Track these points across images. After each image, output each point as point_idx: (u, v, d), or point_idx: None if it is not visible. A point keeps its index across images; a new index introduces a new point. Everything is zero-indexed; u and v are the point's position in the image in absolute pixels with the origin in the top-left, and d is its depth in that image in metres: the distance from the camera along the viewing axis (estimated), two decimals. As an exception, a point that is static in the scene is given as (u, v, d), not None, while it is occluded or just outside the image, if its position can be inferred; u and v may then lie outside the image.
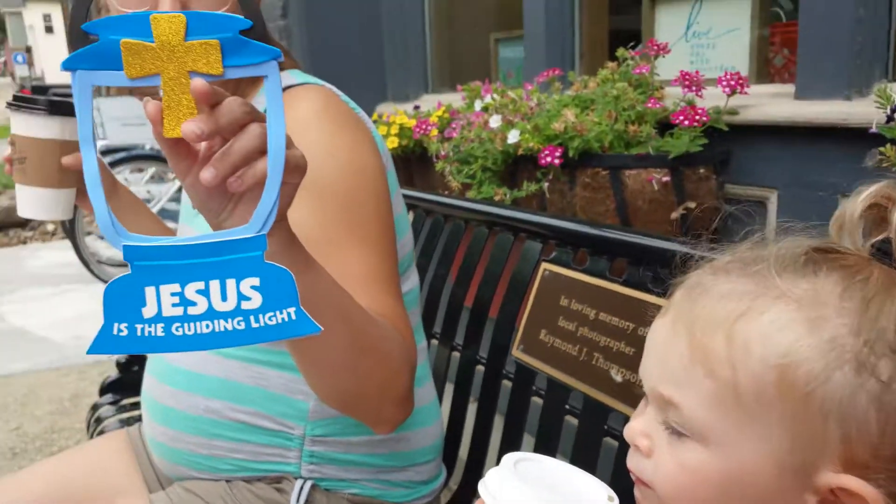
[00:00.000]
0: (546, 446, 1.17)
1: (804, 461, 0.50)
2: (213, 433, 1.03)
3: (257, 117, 0.61)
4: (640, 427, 0.58)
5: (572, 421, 1.13)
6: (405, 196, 1.75)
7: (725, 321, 0.52)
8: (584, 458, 1.08)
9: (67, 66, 0.54)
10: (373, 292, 0.95)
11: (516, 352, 1.27)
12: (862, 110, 1.28)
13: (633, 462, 0.59)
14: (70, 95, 0.58)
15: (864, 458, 0.49)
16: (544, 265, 1.26)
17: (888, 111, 1.03)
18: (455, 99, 2.39)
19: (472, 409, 1.39)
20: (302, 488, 1.02)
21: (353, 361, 0.85)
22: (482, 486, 0.59)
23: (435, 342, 1.57)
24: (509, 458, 0.60)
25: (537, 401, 1.23)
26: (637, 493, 0.60)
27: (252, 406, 1.02)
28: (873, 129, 1.04)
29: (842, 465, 0.50)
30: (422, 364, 1.17)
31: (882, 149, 1.01)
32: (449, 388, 1.47)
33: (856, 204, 0.55)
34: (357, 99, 1.12)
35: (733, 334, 0.51)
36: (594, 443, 1.07)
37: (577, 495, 0.59)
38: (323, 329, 0.81)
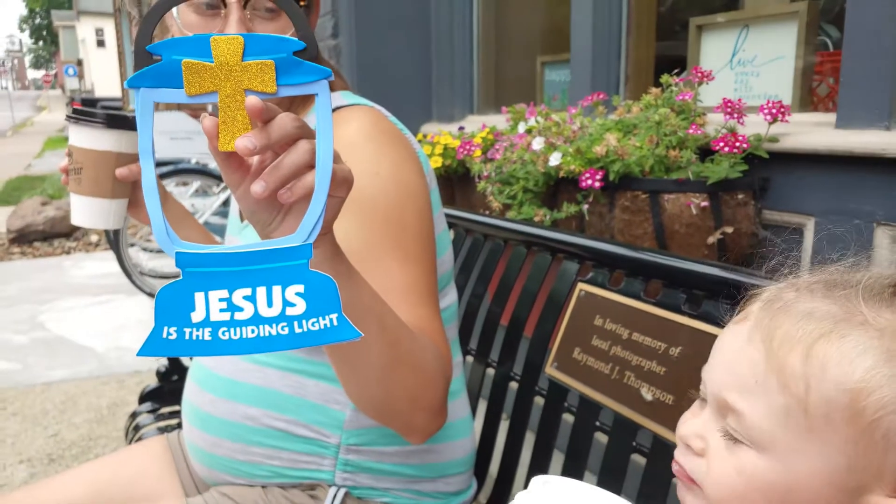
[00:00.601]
0: (575, 462, 1.19)
1: (858, 483, 0.52)
2: (250, 440, 1.07)
3: (307, 133, 0.65)
4: (695, 428, 0.60)
5: (602, 438, 1.15)
6: (447, 214, 1.80)
7: (806, 339, 0.54)
8: (613, 473, 1.10)
9: (132, 84, 0.59)
10: (412, 305, 0.99)
11: (550, 369, 1.29)
12: (902, 141, 1.29)
13: (684, 460, 0.61)
14: (121, 109, 0.63)
15: None
16: (580, 285, 1.29)
17: (926, 143, 1.03)
18: (499, 121, 2.44)
19: (504, 426, 1.42)
20: (336, 496, 1.05)
21: (389, 370, 0.88)
22: None
23: (470, 358, 1.60)
24: (538, 480, 0.62)
25: (568, 418, 1.25)
26: (682, 490, 0.62)
27: (289, 414, 1.06)
28: (910, 160, 1.05)
29: (892, 491, 0.52)
30: (457, 378, 1.20)
31: (918, 179, 1.02)
32: (482, 404, 1.50)
33: None
34: (403, 118, 1.17)
35: (812, 353, 0.53)
36: (622, 459, 1.09)
37: None
38: (363, 336, 0.86)
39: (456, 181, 2.35)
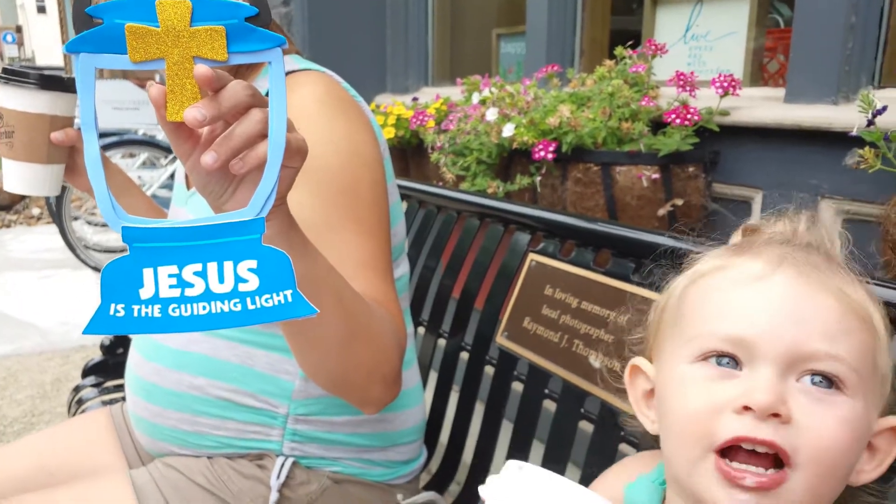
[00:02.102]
0: (524, 430, 1.20)
1: (877, 411, 0.57)
2: (197, 410, 1.05)
3: (259, 102, 0.62)
4: (774, 389, 0.53)
5: (550, 406, 1.16)
6: (400, 186, 1.78)
7: (858, 283, 0.58)
8: (560, 441, 1.10)
9: (70, 48, 0.55)
10: (367, 277, 0.97)
11: (500, 338, 1.29)
12: (847, 115, 1.31)
13: (770, 433, 0.53)
14: (60, 73, 0.59)
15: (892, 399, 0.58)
16: (531, 256, 1.29)
17: (869, 115, 1.05)
18: (454, 93, 2.41)
19: (454, 395, 1.42)
20: (283, 465, 1.04)
21: (344, 343, 0.87)
22: (484, 491, 0.58)
23: (422, 329, 1.60)
24: (512, 465, 0.59)
25: (518, 386, 1.25)
26: (757, 479, 0.53)
27: (237, 384, 1.04)
28: (854, 133, 1.07)
29: (883, 410, 0.58)
30: (409, 348, 1.19)
31: (861, 151, 1.03)
32: (433, 375, 1.50)
33: None
34: (357, 89, 1.14)
35: (862, 293, 0.58)
36: (570, 426, 1.10)
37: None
38: (320, 312, 0.84)
39: (410, 153, 2.32)
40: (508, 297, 1.31)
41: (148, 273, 0.57)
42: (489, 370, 1.33)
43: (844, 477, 0.56)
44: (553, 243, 1.27)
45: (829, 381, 0.54)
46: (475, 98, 2.06)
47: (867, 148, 1.03)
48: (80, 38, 0.55)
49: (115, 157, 5.08)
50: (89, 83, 0.56)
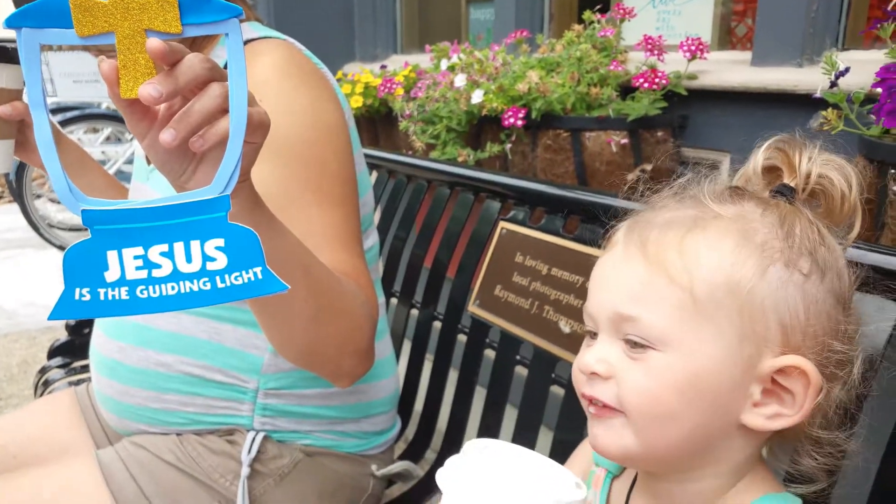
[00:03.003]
0: (497, 396, 1.21)
1: (751, 353, 0.57)
2: (164, 387, 1.04)
3: (218, 75, 0.60)
4: (595, 355, 0.61)
5: (522, 372, 1.17)
6: (369, 156, 1.76)
7: (675, 239, 0.59)
8: (532, 405, 1.12)
9: (11, 23, 0.52)
10: (335, 250, 0.96)
11: (472, 307, 1.30)
12: (811, 77, 1.31)
13: (593, 390, 0.61)
14: (6, 44, 0.56)
15: (796, 341, 0.58)
16: (502, 224, 1.29)
17: (832, 77, 1.05)
18: (424, 60, 2.38)
19: (428, 364, 1.42)
20: (254, 440, 1.03)
21: (314, 318, 0.86)
22: (440, 476, 0.58)
23: (394, 301, 1.59)
24: (472, 445, 0.60)
25: (490, 353, 1.26)
26: (598, 430, 0.61)
27: (205, 360, 1.03)
28: (817, 95, 1.07)
29: (781, 350, 0.57)
30: (381, 319, 1.19)
31: (824, 113, 1.04)
32: (406, 345, 1.50)
33: (757, 157, 0.66)
34: (324, 59, 1.11)
35: (684, 248, 0.59)
36: (542, 391, 1.11)
37: (544, 483, 0.58)
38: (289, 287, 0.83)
39: (379, 122, 2.29)
40: (480, 266, 1.31)
41: (112, 256, 0.55)
42: (462, 338, 1.34)
43: (683, 420, 0.58)
44: (523, 211, 1.26)
45: (640, 341, 0.59)
46: (444, 65, 2.03)
47: (830, 109, 1.04)
48: (22, 12, 0.52)
49: (78, 132, 4.95)
50: (34, 60, 0.53)
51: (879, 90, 0.91)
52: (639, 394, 0.58)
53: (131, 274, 0.55)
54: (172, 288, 0.56)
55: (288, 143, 0.96)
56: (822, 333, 0.58)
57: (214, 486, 1.01)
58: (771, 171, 0.65)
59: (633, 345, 0.59)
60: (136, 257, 0.55)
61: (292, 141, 0.96)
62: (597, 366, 0.61)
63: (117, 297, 0.56)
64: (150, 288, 0.56)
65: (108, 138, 5.41)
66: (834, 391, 0.59)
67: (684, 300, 0.57)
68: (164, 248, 0.56)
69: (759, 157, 0.65)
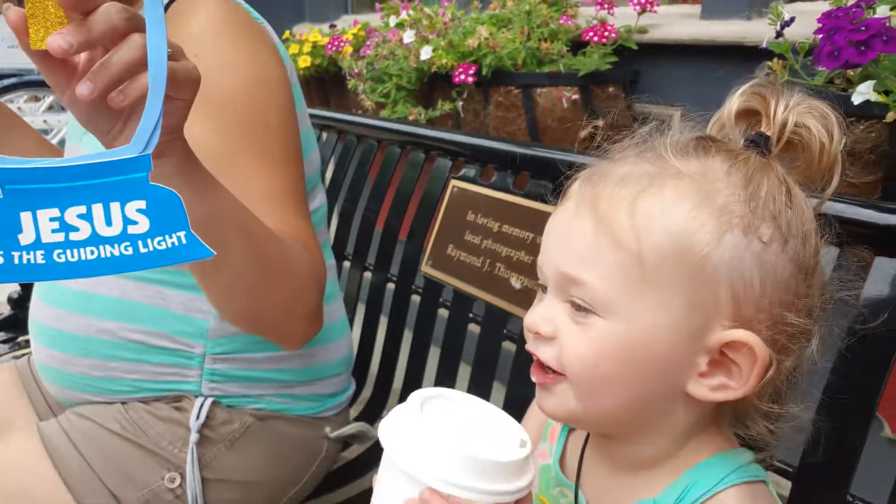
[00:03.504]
0: (451, 354, 1.21)
1: (698, 324, 0.54)
2: (107, 354, 1.00)
3: (139, 26, 0.56)
4: (541, 313, 0.59)
5: (475, 329, 1.17)
6: (317, 116, 1.72)
7: (628, 197, 0.55)
8: (485, 361, 1.12)
9: None
10: (279, 211, 0.93)
11: (425, 267, 1.28)
12: (758, 29, 1.31)
13: (536, 349, 0.60)
14: None
15: (748, 313, 0.54)
16: (453, 182, 1.27)
17: (778, 27, 1.05)
18: (375, 19, 2.33)
19: (383, 326, 1.41)
20: (202, 406, 1.01)
21: (258, 282, 0.84)
22: (382, 428, 0.57)
23: (347, 264, 1.57)
24: (415, 398, 0.58)
25: (443, 313, 1.26)
26: (541, 396, 0.60)
27: (148, 325, 1.00)
28: (763, 45, 1.07)
29: (731, 323, 0.54)
30: (331, 281, 1.17)
31: (770, 63, 1.04)
32: (361, 309, 1.49)
33: (732, 102, 0.60)
34: (273, 20, 1.07)
35: (636, 208, 0.54)
36: (494, 347, 1.11)
37: (487, 439, 0.57)
38: (226, 251, 0.81)
39: (328, 82, 2.24)
40: (432, 226, 1.30)
41: (26, 217, 0.52)
42: (415, 299, 1.33)
43: (623, 387, 0.56)
44: (474, 168, 1.25)
45: (584, 305, 0.56)
46: (393, 22, 1.98)
47: (776, 60, 1.04)
48: None
49: (19, 101, 4.73)
50: None
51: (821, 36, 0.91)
52: (578, 359, 0.56)
53: (47, 237, 0.52)
54: (92, 252, 0.53)
55: (227, 100, 0.92)
56: (777, 306, 0.55)
57: (163, 453, 0.99)
58: (747, 116, 0.60)
59: (578, 307, 0.56)
60: (51, 219, 0.52)
61: (231, 97, 0.92)
62: (542, 326, 0.59)
63: (32, 261, 0.52)
64: (68, 252, 0.53)
65: (50, 107, 5.18)
66: (786, 364, 0.56)
67: (631, 266, 0.54)
68: (82, 209, 0.52)
69: (733, 102, 0.60)
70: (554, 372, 0.59)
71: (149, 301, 1.00)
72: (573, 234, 0.57)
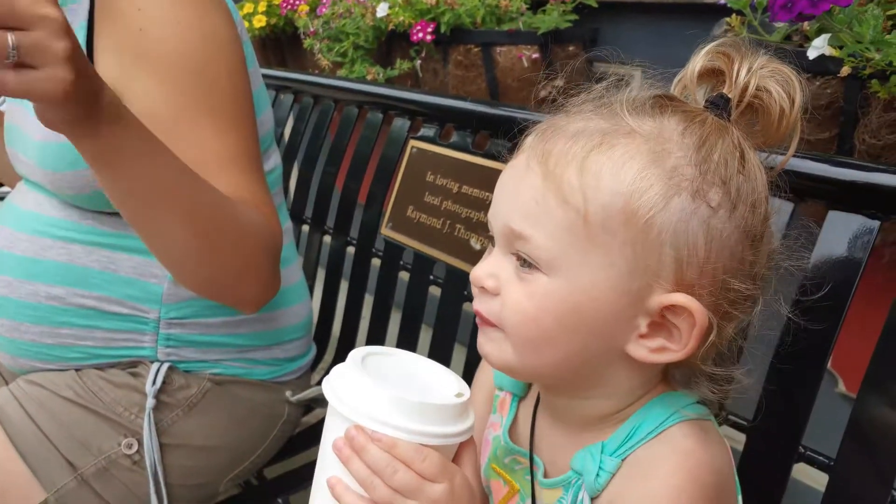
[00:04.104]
0: (412, 317, 1.20)
1: (640, 285, 0.54)
2: (58, 321, 0.98)
3: None
4: (486, 268, 0.59)
5: (436, 291, 1.16)
6: (273, 77, 1.68)
7: (578, 154, 0.54)
8: (446, 323, 1.11)
9: None
10: (231, 174, 0.90)
11: (385, 230, 1.27)
12: (719, -15, 1.31)
13: (480, 304, 0.59)
14: None
15: (691, 278, 0.54)
16: (412, 142, 1.25)
17: (737, -18, 1.04)
18: (330, -24, 2.26)
19: (344, 291, 1.40)
20: (158, 371, 0.99)
21: (209, 247, 0.83)
22: (325, 384, 0.57)
23: (306, 227, 1.55)
24: (357, 353, 0.59)
25: (404, 275, 1.25)
26: (482, 339, 0.61)
27: (100, 291, 0.97)
28: (723, 1, 1.06)
29: (673, 286, 0.54)
30: (287, 244, 1.15)
31: (728, 19, 1.04)
32: (321, 273, 1.47)
33: (696, 61, 0.59)
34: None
35: (585, 165, 0.53)
36: (455, 309, 1.11)
37: (424, 390, 0.57)
38: (171, 218, 0.79)
39: (285, 42, 2.18)
40: (391, 187, 1.28)
41: None
42: (376, 262, 1.32)
43: (560, 345, 0.56)
44: (433, 128, 1.23)
45: (529, 260, 0.56)
46: (350, -21, 1.92)
47: (734, 16, 1.03)
48: None
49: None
50: None
51: (780, -7, 0.91)
52: (518, 314, 0.56)
53: None
54: None
55: (174, 58, 0.88)
56: (722, 271, 0.54)
57: (119, 419, 0.97)
58: (711, 76, 0.59)
59: (524, 262, 0.56)
60: None
61: (178, 55, 0.89)
62: (486, 280, 0.58)
63: None
64: None
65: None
66: (727, 329, 0.56)
67: (576, 224, 0.53)
68: None
69: (697, 61, 0.59)
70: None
71: (99, 266, 0.97)
72: (522, 189, 0.56)
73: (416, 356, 0.63)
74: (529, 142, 0.59)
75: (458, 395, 0.58)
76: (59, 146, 0.90)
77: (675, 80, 0.61)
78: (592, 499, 0.58)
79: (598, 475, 0.57)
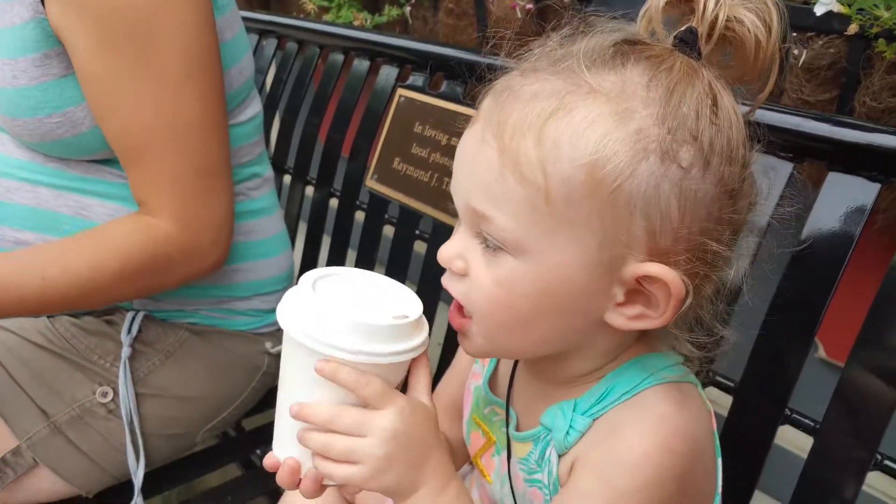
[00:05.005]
0: (396, 273, 1.17)
1: (612, 257, 0.51)
2: None
3: None
4: (454, 248, 0.56)
5: (421, 247, 1.14)
6: (255, 20, 1.61)
7: (535, 123, 0.49)
8: (432, 281, 1.09)
9: None
10: (155, 156, 0.85)
11: (370, 181, 1.23)
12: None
13: (449, 284, 0.57)
14: None
15: (665, 244, 0.50)
16: (400, 91, 1.21)
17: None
18: (317, -84, 2.17)
19: (326, 244, 1.37)
20: (133, 320, 0.97)
21: (132, 295, 0.90)
22: (278, 311, 0.55)
23: (287, 178, 1.51)
24: (308, 276, 0.57)
25: (389, 230, 1.22)
26: (461, 339, 0.58)
27: None
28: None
29: (646, 255, 0.51)
30: (266, 194, 1.12)
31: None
32: (303, 227, 1.44)
33: None
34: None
35: (543, 136, 0.49)
36: (440, 266, 1.08)
37: (373, 306, 0.56)
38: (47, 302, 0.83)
39: (269, -15, 2.10)
40: (377, 138, 1.24)
41: None
42: (360, 216, 1.29)
43: (536, 326, 0.54)
44: (422, 77, 1.19)
45: (494, 242, 0.53)
46: (338, -81, 1.85)
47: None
48: None
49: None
50: None
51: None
52: (488, 303, 0.54)
53: None
54: None
55: (108, 9, 0.78)
56: (697, 234, 0.51)
57: (93, 367, 0.95)
58: (678, 5, 0.53)
59: (489, 244, 0.53)
60: None
61: (114, 5, 0.78)
62: (454, 262, 0.56)
63: None
64: None
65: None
66: (705, 291, 0.54)
67: (538, 202, 0.49)
68: None
69: None
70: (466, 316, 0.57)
71: (69, 211, 0.94)
72: (480, 165, 0.52)
73: (371, 273, 0.62)
74: (486, 106, 0.54)
75: (413, 310, 0.56)
76: (16, 91, 0.84)
77: (641, 12, 0.55)
78: (560, 456, 0.57)
79: (567, 433, 0.56)
